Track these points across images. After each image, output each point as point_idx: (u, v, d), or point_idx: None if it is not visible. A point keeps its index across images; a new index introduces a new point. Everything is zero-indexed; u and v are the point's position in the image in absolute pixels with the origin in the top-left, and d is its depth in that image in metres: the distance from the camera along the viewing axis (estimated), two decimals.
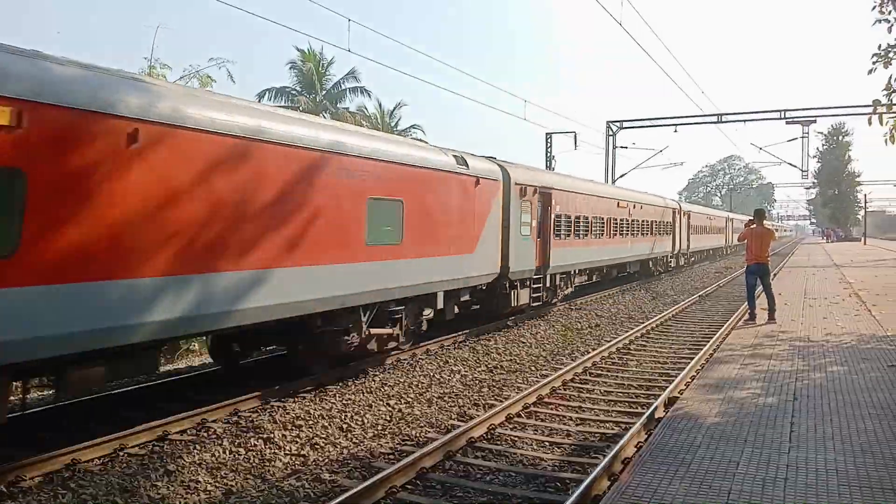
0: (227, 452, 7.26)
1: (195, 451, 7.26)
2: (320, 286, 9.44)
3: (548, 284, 18.10)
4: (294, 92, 40.70)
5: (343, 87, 42.07)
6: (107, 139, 6.65)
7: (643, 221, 28.11)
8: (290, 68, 41.23)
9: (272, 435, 7.74)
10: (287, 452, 7.33)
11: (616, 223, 24.33)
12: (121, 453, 7.27)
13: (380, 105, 43.58)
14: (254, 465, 6.98)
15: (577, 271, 20.69)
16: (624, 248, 25.46)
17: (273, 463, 7.01)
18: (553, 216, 17.86)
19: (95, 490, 6.22)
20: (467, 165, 13.64)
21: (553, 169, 35.14)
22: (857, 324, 13.12)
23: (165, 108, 7.25)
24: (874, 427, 6.43)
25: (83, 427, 7.84)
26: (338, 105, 41.63)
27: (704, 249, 46.00)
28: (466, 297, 14.11)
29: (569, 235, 19.26)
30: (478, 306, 15.61)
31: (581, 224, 20.29)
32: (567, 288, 20.11)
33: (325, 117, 37.72)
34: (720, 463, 5.54)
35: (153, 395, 9.42)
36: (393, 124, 43.40)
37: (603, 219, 22.66)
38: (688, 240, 37.81)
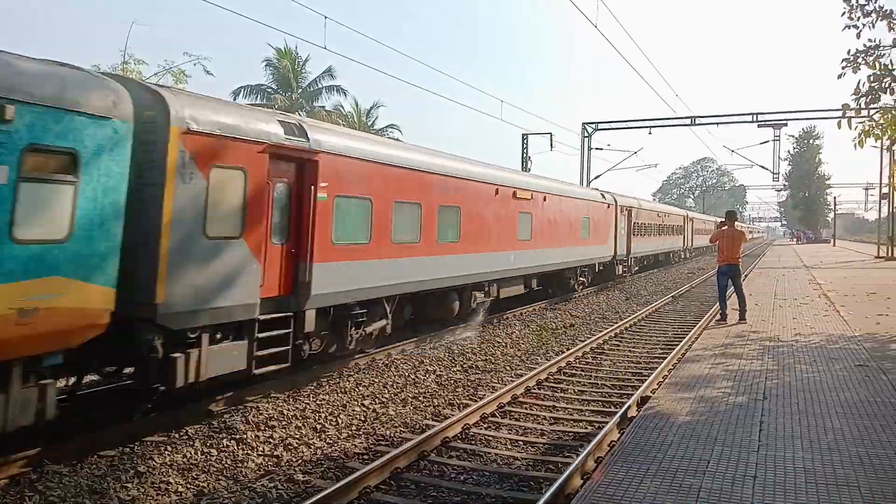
0: (199, 453, 7.19)
1: (166, 452, 7.17)
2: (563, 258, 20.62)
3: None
4: (270, 90, 40.45)
5: (319, 85, 41.92)
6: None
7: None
8: (266, 66, 40.99)
9: (245, 436, 7.67)
10: (260, 453, 7.28)
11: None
12: (90, 455, 7.16)
13: (356, 104, 43.50)
14: (226, 466, 6.92)
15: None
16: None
17: (245, 464, 6.96)
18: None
19: (64, 492, 6.13)
20: (604, 197, 26.16)
21: (529, 170, 35.30)
22: (825, 324, 13.34)
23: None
24: (841, 426, 6.54)
25: (51, 428, 7.70)
26: (314, 103, 41.45)
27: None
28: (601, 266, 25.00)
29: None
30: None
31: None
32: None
33: (300, 115, 37.55)
34: (691, 461, 5.60)
35: (124, 396, 9.28)
36: (370, 123, 43.30)
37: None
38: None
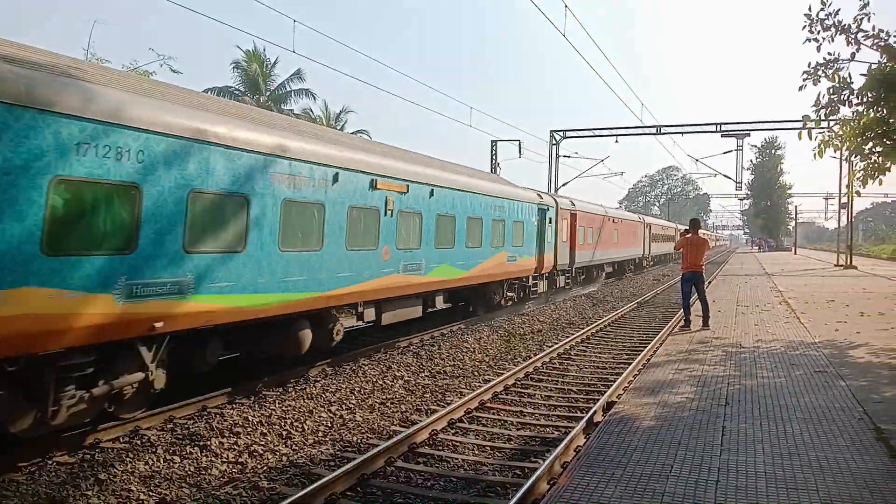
0: (162, 461, 7.07)
1: (128, 459, 7.04)
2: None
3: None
4: (238, 92, 40.05)
5: (288, 88, 41.63)
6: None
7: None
8: (234, 68, 40.58)
9: (209, 442, 7.56)
10: (224, 460, 7.18)
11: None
12: (49, 462, 6.99)
13: (326, 107, 43.29)
14: (189, 473, 6.81)
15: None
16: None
17: (209, 471, 6.86)
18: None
19: (21, 501, 5.98)
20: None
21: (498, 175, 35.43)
22: (786, 331, 13.61)
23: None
24: (801, 430, 6.67)
25: (7, 434, 7.49)
26: (282, 106, 41.13)
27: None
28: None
29: None
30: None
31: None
32: None
33: None
34: (655, 466, 5.67)
35: None
36: (339, 127, 43.10)
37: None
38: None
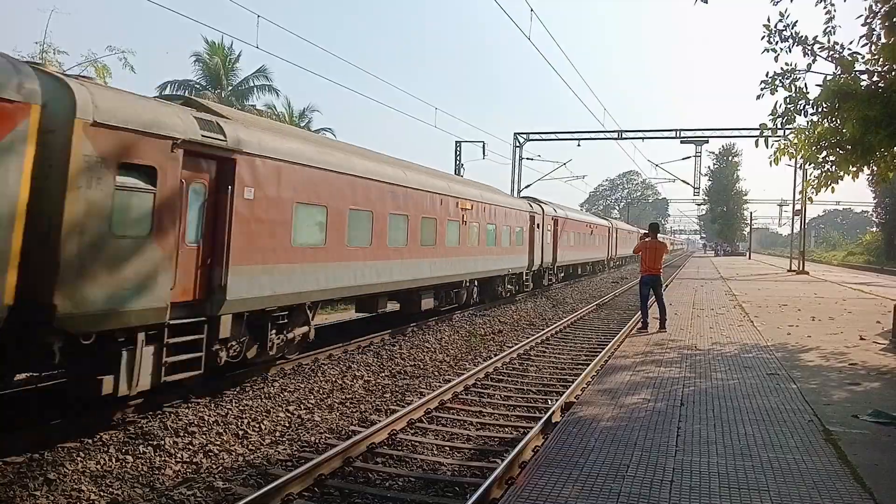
0: (114, 460, 6.91)
1: (79, 458, 6.86)
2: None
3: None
4: (198, 86, 39.38)
5: (251, 83, 41.08)
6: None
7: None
8: (195, 61, 39.86)
9: (163, 442, 7.41)
10: (178, 460, 7.04)
11: None
12: None
13: (289, 104, 42.81)
14: (142, 473, 6.67)
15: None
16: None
17: (163, 471, 6.72)
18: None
19: None
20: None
21: (462, 176, 35.60)
22: (740, 334, 13.89)
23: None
24: (753, 432, 6.81)
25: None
26: (244, 102, 40.58)
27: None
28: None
29: None
30: None
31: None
32: None
33: None
34: (611, 466, 5.72)
35: (32, 400, 8.83)
36: (303, 125, 42.74)
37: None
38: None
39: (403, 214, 14.95)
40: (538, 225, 26.48)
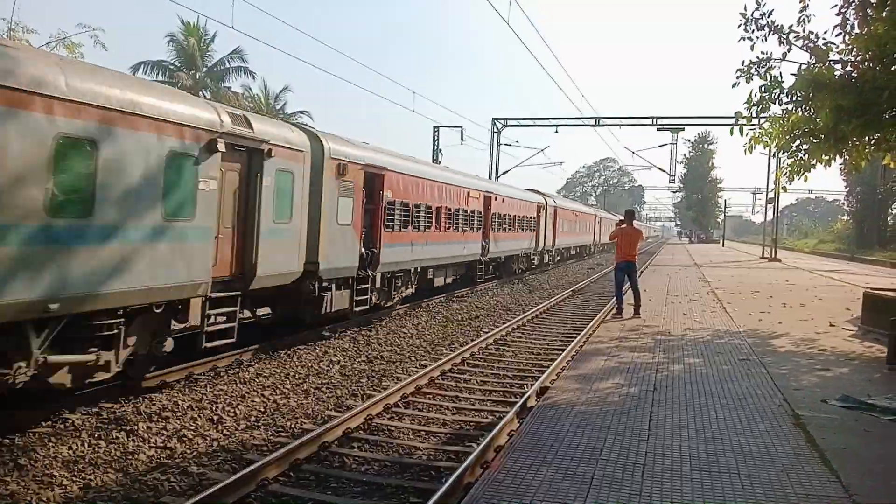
0: (86, 445, 6.84)
1: (50, 444, 6.78)
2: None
3: None
4: (172, 67, 38.77)
5: (227, 65, 40.53)
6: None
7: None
8: (169, 42, 39.21)
9: (136, 427, 7.34)
10: (152, 445, 6.99)
11: None
12: None
13: (265, 86, 42.33)
14: (115, 458, 6.60)
15: None
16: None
17: (136, 456, 6.66)
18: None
19: None
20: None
21: (440, 162, 35.59)
22: (713, 319, 14.09)
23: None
24: (724, 416, 6.93)
25: None
26: (220, 84, 40.06)
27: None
28: None
29: None
30: None
31: None
32: None
33: (204, 95, 36.32)
34: (585, 450, 5.79)
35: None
36: (279, 108, 42.32)
37: None
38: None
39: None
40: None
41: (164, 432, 7.33)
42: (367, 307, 14.70)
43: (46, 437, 7.00)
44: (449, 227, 19.53)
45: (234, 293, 10.04)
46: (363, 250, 14.22)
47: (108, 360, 8.03)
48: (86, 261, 7.36)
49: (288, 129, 11.93)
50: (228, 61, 40.41)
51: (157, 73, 37.83)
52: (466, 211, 21.15)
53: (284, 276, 11.37)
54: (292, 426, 7.87)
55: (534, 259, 31.63)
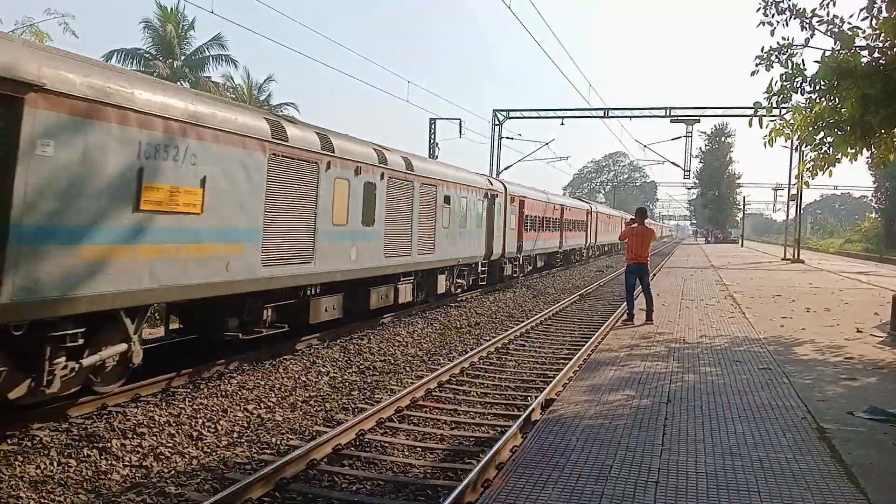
0: (56, 464, 6.83)
1: (16, 462, 6.77)
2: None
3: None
4: (148, 55, 38.72)
5: (206, 53, 40.51)
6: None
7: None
8: (145, 28, 39.14)
9: (109, 444, 7.34)
10: (126, 464, 6.98)
11: None
12: None
13: (248, 76, 42.31)
14: (87, 478, 6.60)
15: None
16: None
17: (109, 476, 6.66)
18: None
19: None
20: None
21: (437, 156, 35.65)
22: (731, 326, 14.10)
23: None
24: (743, 430, 6.93)
25: None
26: (199, 73, 40.03)
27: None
28: None
29: None
30: None
31: None
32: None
33: (182, 85, 36.31)
34: (594, 466, 5.79)
35: None
36: (262, 99, 42.31)
37: None
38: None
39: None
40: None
41: (140, 450, 7.32)
42: (516, 275, 28.32)
43: (12, 455, 6.99)
44: (547, 229, 32.73)
45: (484, 260, 23.42)
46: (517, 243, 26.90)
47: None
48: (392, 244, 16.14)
49: (499, 183, 25.77)
50: (208, 49, 40.38)
51: (132, 62, 37.76)
52: (553, 219, 33.83)
53: (496, 255, 24.18)
54: (278, 442, 7.87)
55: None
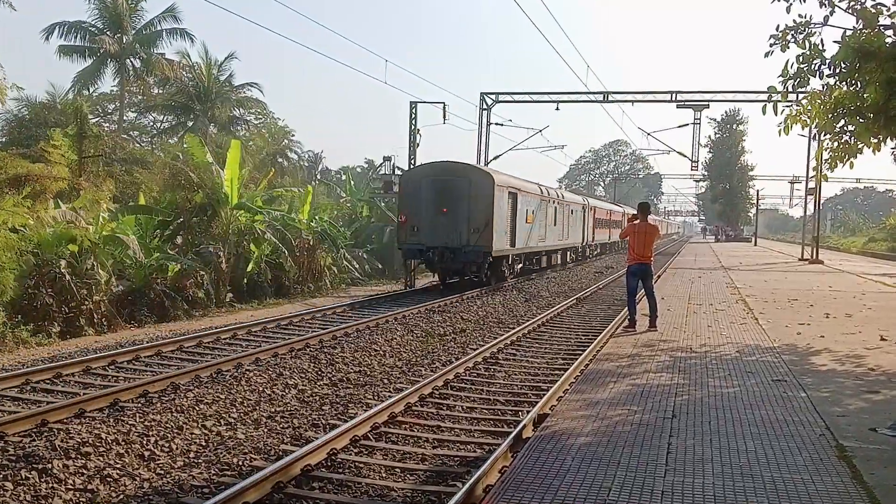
0: None
1: None
2: None
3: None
4: (94, 29, 38.44)
5: (159, 27, 40.28)
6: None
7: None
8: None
9: (50, 465, 7.29)
10: (70, 487, 6.94)
11: None
12: None
13: (206, 52, 42.09)
14: (25, 502, 6.55)
15: None
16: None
17: (50, 500, 6.63)
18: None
19: None
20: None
21: (418, 144, 35.76)
22: (742, 333, 14.20)
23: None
24: (755, 447, 6.99)
25: None
26: (151, 49, 39.80)
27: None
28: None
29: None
30: None
31: None
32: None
33: (132, 62, 36.08)
34: (590, 489, 5.82)
35: None
36: (223, 79, 42.15)
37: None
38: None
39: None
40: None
41: (85, 471, 7.29)
42: (585, 258, 46.68)
43: None
44: (601, 228, 50.25)
45: (582, 245, 45.39)
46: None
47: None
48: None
49: (580, 198, 45.63)
50: (161, 22, 40.14)
51: (76, 37, 37.48)
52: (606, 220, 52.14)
53: (587, 243, 46.95)
54: (240, 463, 7.85)
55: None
